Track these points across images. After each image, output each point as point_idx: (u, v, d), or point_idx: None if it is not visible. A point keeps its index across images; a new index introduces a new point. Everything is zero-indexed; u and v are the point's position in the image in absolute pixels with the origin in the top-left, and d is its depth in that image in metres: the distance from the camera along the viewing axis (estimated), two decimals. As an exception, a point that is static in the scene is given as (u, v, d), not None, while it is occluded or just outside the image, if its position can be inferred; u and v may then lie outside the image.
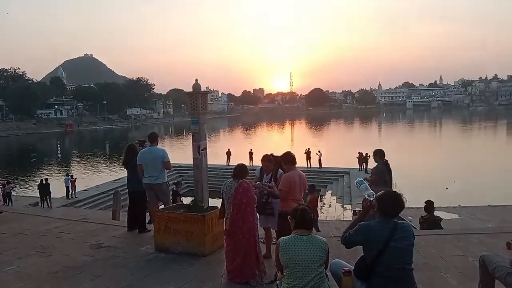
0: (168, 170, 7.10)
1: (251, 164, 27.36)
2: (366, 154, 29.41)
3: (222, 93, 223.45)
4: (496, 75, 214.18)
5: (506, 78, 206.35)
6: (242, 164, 5.25)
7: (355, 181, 3.88)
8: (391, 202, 3.23)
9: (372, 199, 3.44)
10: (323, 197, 25.93)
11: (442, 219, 9.85)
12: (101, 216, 11.22)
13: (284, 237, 3.31)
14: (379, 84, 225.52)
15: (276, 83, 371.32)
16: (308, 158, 30.82)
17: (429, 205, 9.71)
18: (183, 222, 5.93)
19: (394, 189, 5.64)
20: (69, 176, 23.95)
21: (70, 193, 23.26)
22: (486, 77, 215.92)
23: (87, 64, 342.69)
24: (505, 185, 25.24)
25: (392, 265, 3.10)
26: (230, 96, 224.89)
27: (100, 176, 35.03)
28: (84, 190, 25.45)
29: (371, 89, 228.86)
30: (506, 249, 5.74)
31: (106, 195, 24.11)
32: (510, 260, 3.50)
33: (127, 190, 7.67)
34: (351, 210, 20.61)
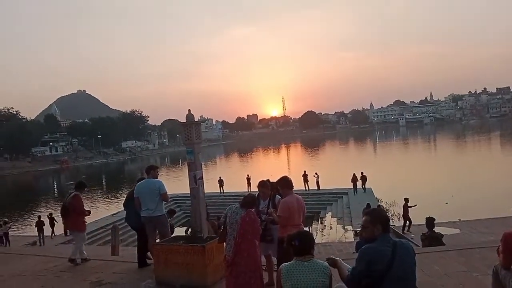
0: (165, 202, 7.06)
1: (248, 190, 27.28)
2: (362, 173, 29.35)
3: (216, 120, 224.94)
4: (485, 88, 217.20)
5: (495, 91, 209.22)
6: (253, 195, 5.27)
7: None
8: (384, 215, 3.33)
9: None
10: (323, 219, 25.77)
11: (443, 235, 9.82)
12: (100, 252, 11.06)
13: (285, 264, 3.29)
14: (371, 103, 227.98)
15: (269, 108, 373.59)
16: (306, 181, 30.75)
17: (430, 222, 9.70)
18: (183, 254, 5.87)
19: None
20: None
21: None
22: (475, 91, 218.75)
23: (80, 100, 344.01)
24: (503, 197, 25.22)
25: (397, 285, 3.08)
26: (224, 123, 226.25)
27: (98, 211, 34.68)
28: (82, 226, 25.06)
29: (363, 108, 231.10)
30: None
31: (104, 230, 23.80)
32: None
33: (133, 225, 7.47)
34: (352, 231, 20.45)
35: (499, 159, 48.34)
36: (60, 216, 8.48)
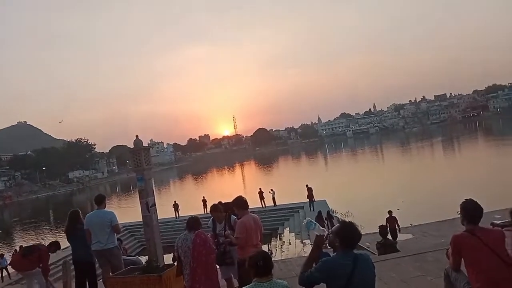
0: (117, 234, 6.78)
1: (205, 212, 26.88)
2: (307, 185, 29.12)
3: (168, 143, 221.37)
4: (424, 96, 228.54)
5: (433, 98, 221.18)
6: (195, 216, 5.29)
7: (304, 221, 3.78)
8: (351, 233, 3.22)
9: (324, 234, 3.44)
10: (282, 235, 25.82)
11: (397, 241, 10.10)
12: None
13: (245, 287, 3.22)
14: (318, 117, 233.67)
15: (220, 128, 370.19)
16: (262, 198, 30.74)
17: (383, 230, 9.94)
18: (139, 286, 5.63)
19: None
20: (4, 259, 21.40)
21: (10, 273, 20.98)
22: (415, 99, 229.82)
23: (21, 132, 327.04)
24: (449, 199, 26.38)
25: (358, 299, 3.08)
26: (175, 146, 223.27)
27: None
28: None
29: (311, 123, 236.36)
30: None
31: (54, 266, 22.44)
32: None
33: (81, 259, 7.07)
34: (311, 244, 20.59)
35: (443, 163, 50.85)
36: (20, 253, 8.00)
